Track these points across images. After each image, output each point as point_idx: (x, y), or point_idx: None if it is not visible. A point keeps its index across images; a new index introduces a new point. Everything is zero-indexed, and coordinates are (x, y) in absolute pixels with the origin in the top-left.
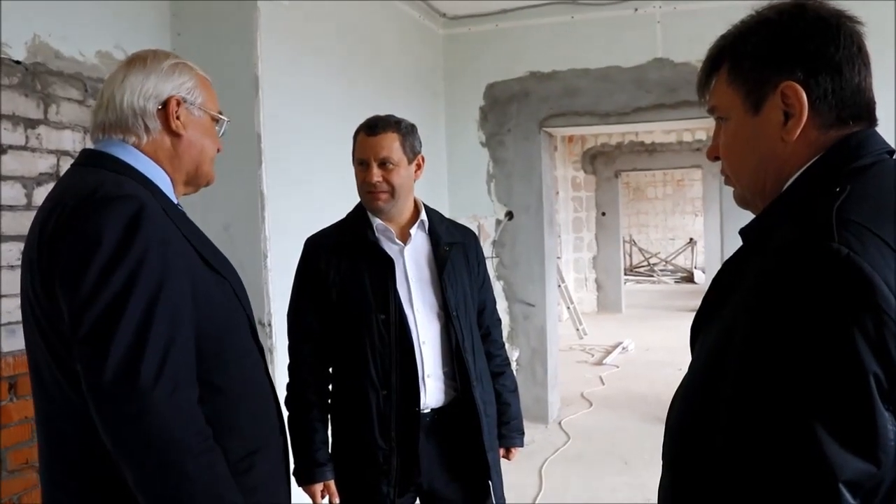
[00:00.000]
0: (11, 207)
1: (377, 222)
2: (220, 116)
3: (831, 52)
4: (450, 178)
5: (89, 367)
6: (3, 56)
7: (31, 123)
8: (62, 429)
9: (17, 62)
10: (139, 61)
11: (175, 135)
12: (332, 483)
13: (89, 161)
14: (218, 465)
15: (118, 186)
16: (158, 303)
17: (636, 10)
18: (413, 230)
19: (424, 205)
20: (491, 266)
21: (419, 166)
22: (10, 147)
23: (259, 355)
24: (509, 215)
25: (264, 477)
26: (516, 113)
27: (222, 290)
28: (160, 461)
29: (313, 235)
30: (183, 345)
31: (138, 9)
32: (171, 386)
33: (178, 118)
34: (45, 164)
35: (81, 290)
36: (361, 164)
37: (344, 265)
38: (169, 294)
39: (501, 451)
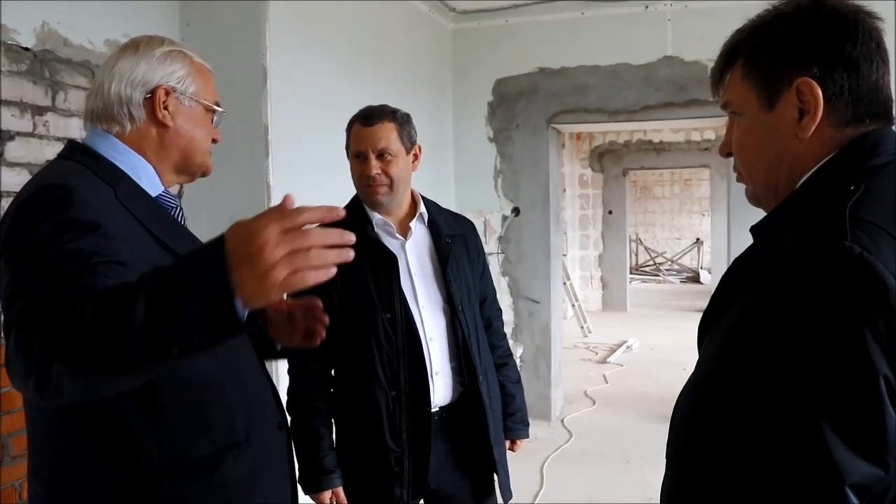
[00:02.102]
0: None
1: (376, 217)
2: (215, 107)
3: (848, 48)
4: (456, 173)
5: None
6: (11, 43)
7: (38, 110)
8: (32, 415)
9: (26, 49)
10: (132, 47)
11: (161, 125)
12: (340, 490)
13: (66, 153)
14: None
15: (55, 177)
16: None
17: (647, 7)
18: (413, 223)
19: (422, 196)
20: (496, 262)
21: (416, 156)
22: (18, 133)
23: (246, 346)
24: (516, 211)
25: (237, 476)
26: (524, 109)
27: None
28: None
29: None
30: None
31: None
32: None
33: (165, 108)
34: (51, 151)
35: (3, 282)
36: (358, 156)
37: (344, 264)
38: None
39: (507, 444)
